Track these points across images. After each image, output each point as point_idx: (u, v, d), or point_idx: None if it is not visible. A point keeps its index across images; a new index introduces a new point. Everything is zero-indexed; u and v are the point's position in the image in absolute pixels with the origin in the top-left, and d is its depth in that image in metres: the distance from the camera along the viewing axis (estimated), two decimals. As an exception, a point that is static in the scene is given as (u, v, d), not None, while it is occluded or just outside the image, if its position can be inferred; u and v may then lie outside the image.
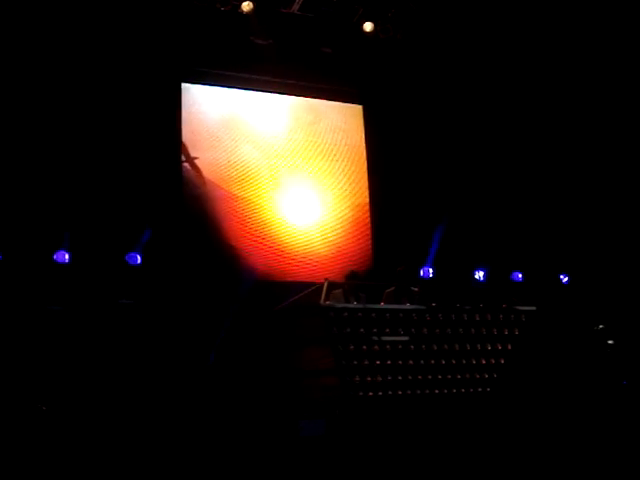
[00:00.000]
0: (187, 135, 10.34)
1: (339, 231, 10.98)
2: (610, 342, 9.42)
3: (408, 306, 7.15)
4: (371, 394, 6.67)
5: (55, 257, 8.98)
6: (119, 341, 8.32)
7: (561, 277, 10.86)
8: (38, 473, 5.49)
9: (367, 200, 11.34)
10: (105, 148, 9.60)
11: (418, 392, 6.92)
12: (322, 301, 6.71)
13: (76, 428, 6.56)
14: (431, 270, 10.65)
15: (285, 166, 10.85)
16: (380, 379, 6.73)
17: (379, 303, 7.60)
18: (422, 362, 6.98)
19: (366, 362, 6.68)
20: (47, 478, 5.43)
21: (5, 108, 9.12)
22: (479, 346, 7.28)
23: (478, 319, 7.28)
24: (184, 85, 10.51)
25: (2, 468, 5.48)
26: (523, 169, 11.29)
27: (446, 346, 7.13)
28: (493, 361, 7.32)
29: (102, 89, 9.72)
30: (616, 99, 10.92)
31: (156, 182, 9.80)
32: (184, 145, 10.33)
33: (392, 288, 7.90)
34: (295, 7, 10.54)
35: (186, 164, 10.32)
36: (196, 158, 10.39)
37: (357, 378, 6.64)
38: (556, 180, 11.11)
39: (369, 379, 6.68)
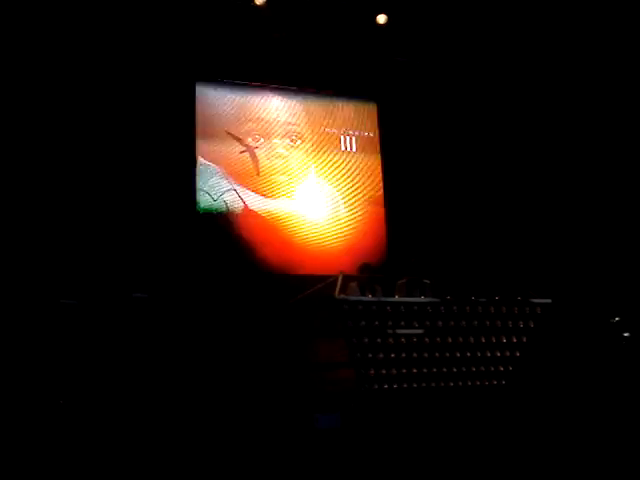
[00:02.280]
0: (200, 129, 10.35)
1: (353, 224, 10.98)
2: (626, 334, 9.36)
3: (423, 299, 7.14)
4: (386, 387, 6.67)
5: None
6: (133, 335, 8.34)
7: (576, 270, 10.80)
8: (56, 465, 5.52)
9: (381, 193, 11.33)
10: (120, 142, 9.62)
11: (433, 385, 6.91)
12: (337, 294, 6.70)
13: (93, 421, 6.59)
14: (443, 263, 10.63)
15: (299, 159, 10.84)
16: (395, 372, 6.73)
17: (394, 296, 7.59)
18: (437, 355, 6.97)
19: (381, 355, 6.68)
20: (65, 470, 5.46)
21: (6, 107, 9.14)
22: (494, 339, 7.26)
23: (493, 312, 7.26)
24: (198, 87, 10.52)
25: (22, 461, 5.52)
26: (542, 161, 11.20)
27: (461, 339, 7.11)
28: (508, 354, 7.30)
29: (116, 89, 9.73)
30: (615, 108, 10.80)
31: (170, 176, 9.81)
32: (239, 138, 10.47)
33: (404, 280, 7.90)
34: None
35: (245, 153, 10.43)
36: (256, 147, 10.52)
37: (372, 371, 6.63)
38: (574, 172, 11.02)
39: (384, 372, 6.68)
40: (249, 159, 10.48)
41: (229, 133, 10.50)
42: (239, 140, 10.52)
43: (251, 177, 10.43)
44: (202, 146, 10.29)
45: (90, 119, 9.53)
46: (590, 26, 10.43)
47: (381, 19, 10.74)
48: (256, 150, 10.58)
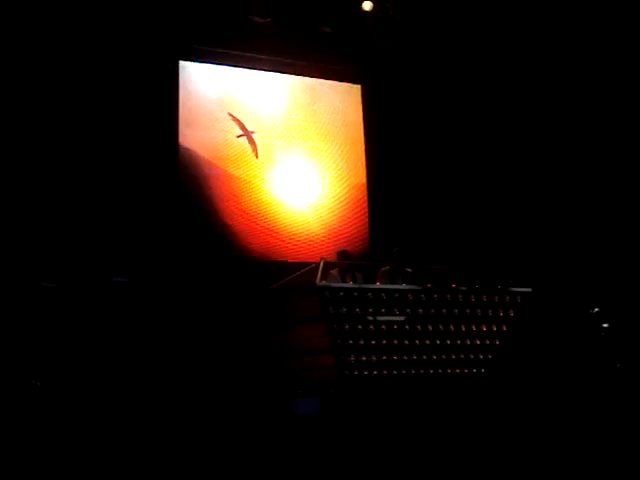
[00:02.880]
0: (184, 114, 10.26)
1: (336, 211, 10.96)
2: (605, 325, 9.43)
3: (404, 286, 7.15)
4: (366, 373, 6.70)
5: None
6: (114, 320, 8.31)
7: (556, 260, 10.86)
8: (33, 448, 5.50)
9: (364, 180, 11.32)
10: (100, 126, 9.54)
11: (413, 372, 6.94)
12: (318, 280, 6.70)
13: (71, 403, 6.58)
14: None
15: (282, 146, 10.80)
16: (375, 359, 6.75)
17: (375, 283, 7.60)
18: (417, 342, 6.99)
19: (361, 342, 6.69)
20: (42, 453, 5.44)
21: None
22: (474, 327, 7.30)
23: (473, 300, 7.29)
24: (182, 63, 10.41)
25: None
26: (524, 150, 11.21)
27: (441, 327, 7.14)
28: (488, 342, 7.34)
29: (96, 69, 9.60)
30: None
31: (152, 161, 9.75)
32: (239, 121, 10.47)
33: (387, 267, 7.91)
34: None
35: (242, 137, 10.47)
36: (253, 132, 10.55)
37: (352, 358, 6.65)
38: (555, 161, 11.05)
39: (364, 359, 6.70)
40: (225, 143, 10.42)
41: (230, 115, 10.46)
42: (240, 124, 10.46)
43: (234, 162, 10.36)
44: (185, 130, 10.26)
45: (69, 100, 9.41)
46: (582, 18, 10.45)
47: (367, 6, 10.71)
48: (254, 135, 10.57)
